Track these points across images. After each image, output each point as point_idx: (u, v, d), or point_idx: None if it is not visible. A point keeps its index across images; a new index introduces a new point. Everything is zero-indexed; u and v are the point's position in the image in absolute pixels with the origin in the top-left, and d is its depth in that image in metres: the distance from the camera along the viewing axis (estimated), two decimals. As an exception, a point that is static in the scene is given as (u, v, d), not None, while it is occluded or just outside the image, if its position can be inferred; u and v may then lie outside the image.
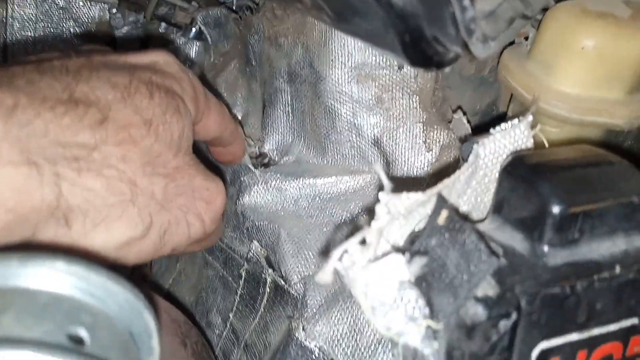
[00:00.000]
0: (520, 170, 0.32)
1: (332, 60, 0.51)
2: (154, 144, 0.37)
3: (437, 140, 0.51)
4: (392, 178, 0.48)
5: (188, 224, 0.40)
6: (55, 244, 0.33)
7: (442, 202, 0.30)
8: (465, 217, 0.30)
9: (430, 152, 0.51)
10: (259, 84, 0.60)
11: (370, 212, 0.30)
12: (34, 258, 0.23)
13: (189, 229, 0.40)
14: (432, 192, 0.32)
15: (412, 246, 0.31)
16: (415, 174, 0.51)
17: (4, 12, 0.61)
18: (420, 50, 0.32)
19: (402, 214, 0.32)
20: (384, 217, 0.30)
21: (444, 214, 0.29)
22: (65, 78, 0.35)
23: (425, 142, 0.51)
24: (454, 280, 0.28)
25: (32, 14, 0.62)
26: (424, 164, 0.51)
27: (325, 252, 0.44)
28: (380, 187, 0.31)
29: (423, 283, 0.29)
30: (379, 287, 0.28)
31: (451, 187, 0.33)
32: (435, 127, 0.51)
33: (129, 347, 0.23)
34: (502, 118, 0.50)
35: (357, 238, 0.29)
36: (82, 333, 0.21)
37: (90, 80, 0.36)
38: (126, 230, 0.36)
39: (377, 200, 0.31)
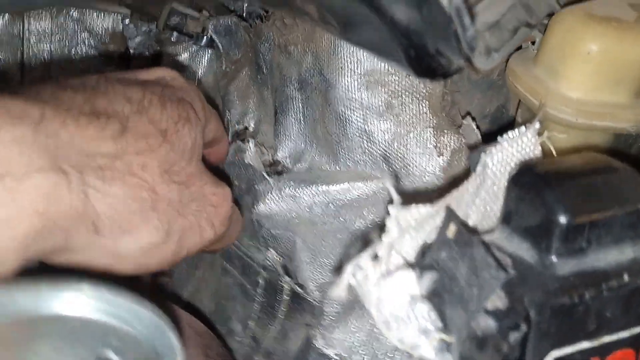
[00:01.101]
0: (527, 180, 0.32)
1: (341, 68, 0.52)
2: (170, 153, 0.39)
3: (448, 144, 0.51)
4: (402, 191, 0.48)
5: (200, 228, 0.41)
6: (86, 253, 0.35)
7: (451, 215, 0.30)
8: (474, 231, 0.30)
9: (442, 156, 0.51)
10: (270, 92, 0.61)
11: (381, 227, 0.31)
12: (61, 284, 0.24)
13: (201, 233, 0.42)
14: (441, 204, 0.33)
15: (423, 260, 0.31)
16: (426, 178, 0.52)
17: (21, 26, 0.62)
18: (424, 64, 0.33)
19: (412, 227, 0.33)
20: (394, 230, 0.31)
21: (453, 227, 0.30)
22: (84, 92, 0.37)
23: (436, 146, 0.52)
24: (464, 293, 0.29)
25: (47, 26, 0.64)
26: (435, 168, 0.52)
27: (338, 268, 0.45)
28: (390, 200, 0.31)
29: (434, 297, 0.29)
30: (391, 301, 0.29)
31: (460, 198, 0.34)
32: (446, 131, 0.51)
33: (154, 366, 0.24)
34: (511, 123, 0.50)
35: (368, 253, 0.30)
36: (112, 356, 0.22)
37: (107, 94, 0.38)
38: (149, 236, 0.37)
39: (388, 214, 0.31)
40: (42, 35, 0.64)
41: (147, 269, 0.39)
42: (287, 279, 0.52)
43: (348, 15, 0.34)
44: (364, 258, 0.30)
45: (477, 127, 0.47)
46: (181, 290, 0.69)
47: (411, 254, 0.34)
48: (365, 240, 0.44)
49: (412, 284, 0.29)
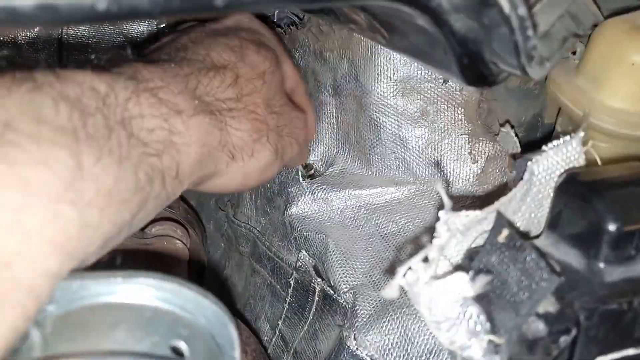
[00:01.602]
0: (575, 188, 0.33)
1: (377, 74, 0.53)
2: (269, 90, 0.48)
3: (483, 152, 0.52)
4: (451, 195, 0.49)
5: (291, 145, 0.51)
6: (224, 177, 0.44)
7: (502, 220, 0.31)
8: (525, 235, 0.31)
9: (476, 163, 0.52)
10: (304, 97, 0.61)
11: (431, 230, 0.32)
12: (134, 275, 0.24)
13: (292, 149, 0.51)
14: (490, 209, 0.33)
15: (471, 262, 0.32)
16: (460, 185, 0.52)
17: (60, 30, 0.63)
18: (477, 72, 0.33)
19: (459, 231, 0.33)
20: (444, 234, 0.32)
21: (505, 232, 0.30)
22: (200, 49, 0.45)
23: (470, 153, 0.52)
24: (515, 297, 0.29)
25: (85, 30, 0.65)
26: (469, 175, 0.52)
27: (390, 270, 0.45)
28: (440, 205, 0.32)
29: (485, 299, 0.30)
30: (443, 303, 0.29)
31: (507, 205, 0.34)
32: (481, 139, 0.52)
33: (216, 357, 0.24)
34: (549, 133, 0.51)
35: (420, 256, 0.30)
36: (182, 345, 0.23)
37: (215, 48, 0.46)
38: (267, 157, 0.47)
39: (437, 218, 0.32)
40: (79, 39, 0.65)
41: (262, 182, 0.49)
42: (318, 280, 0.53)
43: (401, 24, 0.35)
44: (416, 261, 0.30)
45: (516, 134, 0.48)
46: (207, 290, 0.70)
47: (456, 257, 0.34)
48: (416, 243, 0.45)
49: (465, 286, 0.29)
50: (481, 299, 0.30)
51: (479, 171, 0.52)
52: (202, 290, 0.25)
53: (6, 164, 0.27)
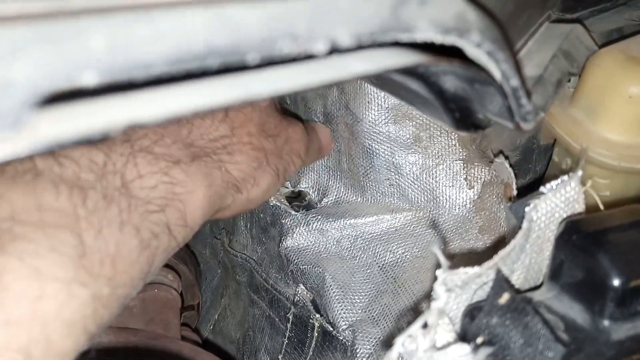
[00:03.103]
0: (576, 240, 0.32)
1: (368, 102, 0.51)
2: (260, 115, 0.47)
3: (479, 177, 0.50)
4: (449, 253, 0.48)
5: (293, 161, 0.51)
6: (232, 207, 0.45)
7: (502, 282, 0.29)
8: (527, 299, 0.29)
9: (472, 189, 0.51)
10: (294, 122, 0.60)
11: (429, 295, 0.31)
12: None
13: (295, 165, 0.51)
14: (489, 264, 0.32)
15: (472, 323, 0.31)
16: (457, 211, 0.51)
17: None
18: (468, 122, 0.32)
19: (458, 286, 0.32)
20: (443, 295, 0.31)
21: (505, 296, 0.29)
22: None
23: (466, 179, 0.51)
24: (519, 365, 0.28)
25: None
26: (466, 201, 0.51)
27: (389, 340, 0.44)
28: (438, 263, 0.31)
29: (488, 368, 0.29)
30: (444, 374, 0.28)
31: (507, 257, 0.33)
32: (476, 164, 0.50)
33: None
34: (545, 151, 0.49)
35: (419, 323, 0.29)
36: None
37: None
38: (269, 182, 0.47)
39: (435, 279, 0.31)
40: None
41: (264, 201, 0.50)
42: (317, 316, 0.52)
43: (390, 82, 0.34)
44: (415, 327, 0.29)
45: (510, 165, 0.46)
46: (207, 316, 0.69)
47: (456, 312, 0.33)
48: (415, 310, 0.44)
49: (467, 357, 0.28)
50: (484, 367, 0.29)
51: (476, 197, 0.51)
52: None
53: (17, 258, 0.29)
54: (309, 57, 0.20)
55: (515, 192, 0.48)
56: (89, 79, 0.16)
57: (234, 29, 0.17)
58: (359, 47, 0.20)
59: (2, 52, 0.15)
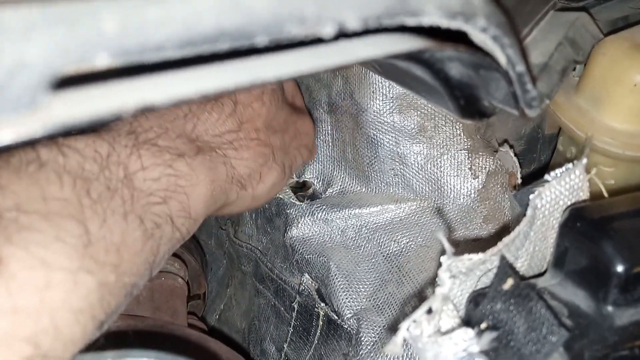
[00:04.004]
0: (580, 226, 0.32)
1: (373, 92, 0.51)
2: (268, 111, 0.47)
3: (484, 167, 0.51)
4: (453, 240, 0.48)
5: (302, 155, 0.52)
6: (238, 203, 0.45)
7: (506, 269, 0.30)
8: (531, 284, 0.30)
9: (477, 178, 0.51)
10: (298, 112, 0.60)
11: (434, 281, 0.31)
12: (125, 356, 0.24)
13: (302, 158, 0.53)
14: (493, 251, 0.32)
15: (476, 309, 0.31)
16: (461, 200, 0.51)
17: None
18: (473, 110, 0.32)
19: (462, 272, 0.32)
20: (447, 282, 0.31)
21: (510, 281, 0.29)
22: None
23: (471, 168, 0.51)
24: (523, 349, 0.28)
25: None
26: (470, 190, 0.51)
27: (394, 326, 0.45)
28: (442, 251, 0.31)
29: (491, 352, 0.29)
30: (448, 358, 0.29)
31: (511, 244, 0.33)
32: (481, 153, 0.51)
33: None
34: (550, 140, 0.50)
35: (424, 308, 0.30)
36: None
37: None
38: (275, 178, 0.47)
39: (440, 265, 0.31)
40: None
41: (271, 198, 0.51)
42: (322, 305, 0.52)
43: (395, 69, 0.34)
44: (419, 313, 0.29)
45: (515, 154, 0.47)
46: (212, 307, 0.70)
47: (460, 298, 0.33)
48: (420, 297, 0.44)
49: (471, 341, 0.29)
50: (487, 353, 0.29)
51: (480, 186, 0.51)
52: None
53: (23, 248, 0.29)
54: (316, 40, 0.20)
55: (520, 181, 0.49)
56: (102, 61, 0.16)
57: (244, 11, 0.17)
58: (366, 31, 0.20)
59: (17, 34, 0.15)
